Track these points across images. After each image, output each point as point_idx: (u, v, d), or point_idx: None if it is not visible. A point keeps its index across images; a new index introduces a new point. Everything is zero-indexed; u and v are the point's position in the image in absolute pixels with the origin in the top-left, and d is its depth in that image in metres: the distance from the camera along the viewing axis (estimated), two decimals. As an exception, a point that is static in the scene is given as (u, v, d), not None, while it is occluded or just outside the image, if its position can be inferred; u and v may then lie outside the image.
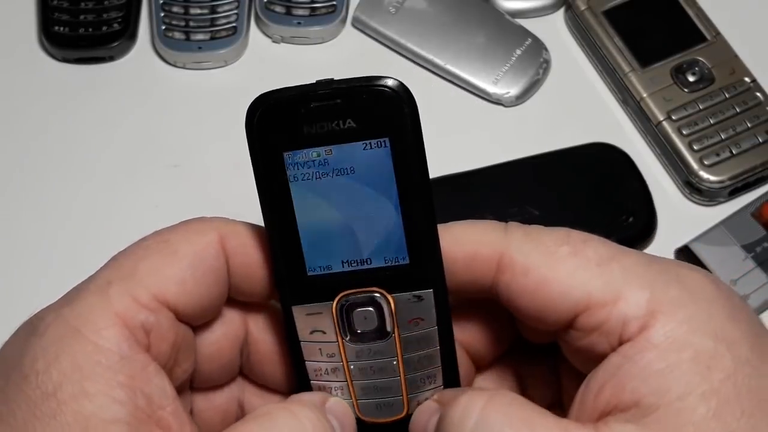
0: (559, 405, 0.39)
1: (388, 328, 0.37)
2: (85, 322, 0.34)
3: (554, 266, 0.35)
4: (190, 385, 0.40)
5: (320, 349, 0.38)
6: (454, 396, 0.35)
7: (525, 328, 0.39)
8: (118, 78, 0.65)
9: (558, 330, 0.36)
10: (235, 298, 0.39)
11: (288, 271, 0.37)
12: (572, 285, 0.35)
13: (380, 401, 0.38)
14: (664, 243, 0.59)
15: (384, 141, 0.35)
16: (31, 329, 0.35)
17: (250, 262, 0.38)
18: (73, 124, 0.63)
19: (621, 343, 0.34)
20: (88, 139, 0.63)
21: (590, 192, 0.60)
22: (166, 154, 0.62)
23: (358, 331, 0.37)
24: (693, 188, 0.60)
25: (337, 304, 0.37)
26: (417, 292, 0.36)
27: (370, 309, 0.37)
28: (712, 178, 0.59)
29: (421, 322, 0.37)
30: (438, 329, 0.37)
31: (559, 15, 0.67)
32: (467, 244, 0.37)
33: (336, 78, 0.35)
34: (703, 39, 0.63)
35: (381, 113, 0.35)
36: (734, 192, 0.60)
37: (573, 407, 0.35)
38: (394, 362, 0.37)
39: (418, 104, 0.35)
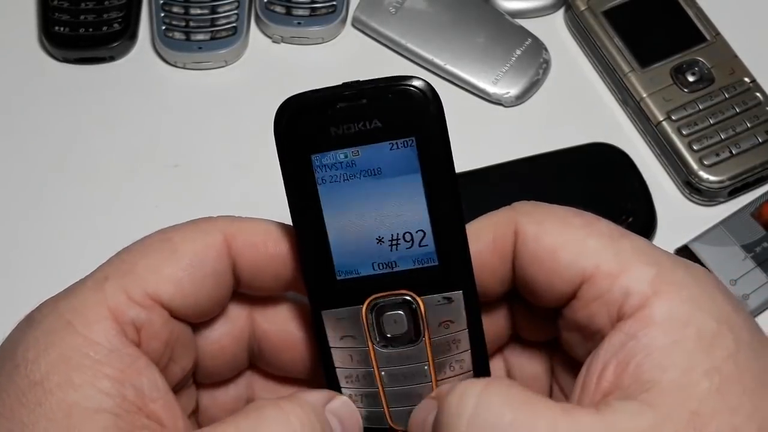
0: None
1: (419, 332, 0.37)
2: (77, 315, 0.34)
3: (566, 234, 0.36)
4: (194, 380, 0.40)
5: (351, 355, 0.37)
6: (450, 387, 0.35)
7: (523, 322, 0.39)
8: (118, 78, 0.65)
9: (561, 304, 0.36)
10: (243, 293, 0.39)
11: (317, 276, 0.37)
12: (582, 253, 0.35)
13: (412, 408, 0.38)
14: (664, 243, 0.58)
15: (410, 141, 0.35)
16: (28, 321, 0.35)
17: (259, 258, 0.38)
18: (74, 124, 0.63)
19: (620, 317, 0.34)
20: (88, 139, 0.63)
21: (590, 192, 0.60)
22: (166, 154, 0.62)
23: (389, 336, 0.37)
24: (693, 188, 0.60)
25: (366, 308, 0.37)
26: (447, 294, 0.36)
27: (400, 312, 0.37)
28: (712, 178, 0.59)
29: (451, 324, 0.37)
30: (468, 331, 0.37)
31: (559, 15, 0.67)
32: (486, 231, 0.37)
33: (361, 79, 0.35)
34: (703, 39, 0.63)
35: (407, 113, 0.35)
36: (734, 192, 0.60)
37: (575, 393, 0.34)
38: (426, 367, 0.37)
39: None
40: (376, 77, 0.36)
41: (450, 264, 0.36)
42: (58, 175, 0.62)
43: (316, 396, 0.37)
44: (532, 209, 0.37)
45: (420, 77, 0.35)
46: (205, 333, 0.39)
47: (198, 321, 0.38)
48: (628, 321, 0.33)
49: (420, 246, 0.36)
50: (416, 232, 0.36)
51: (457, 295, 0.36)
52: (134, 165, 0.62)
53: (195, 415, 0.41)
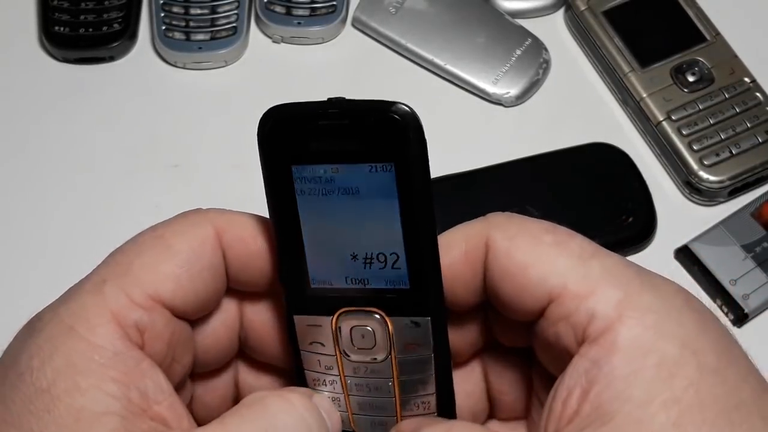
0: (527, 414, 0.39)
1: (385, 350, 0.37)
2: (79, 320, 0.34)
3: (537, 252, 0.35)
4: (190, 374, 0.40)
5: (319, 360, 0.38)
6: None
7: (499, 328, 0.39)
8: (118, 78, 0.65)
9: (530, 319, 0.36)
10: (233, 288, 0.39)
11: (292, 280, 0.37)
12: (551, 272, 0.35)
13: (375, 419, 0.38)
14: (663, 243, 0.59)
15: (389, 166, 0.35)
16: (29, 329, 0.35)
17: (248, 253, 0.37)
18: (73, 124, 0.64)
19: (585, 338, 0.34)
20: (88, 140, 0.63)
21: (590, 192, 0.60)
22: (166, 154, 0.63)
23: (356, 348, 0.37)
24: (693, 188, 0.60)
25: (336, 319, 0.37)
26: (415, 319, 0.36)
27: (369, 328, 0.37)
28: (712, 178, 0.59)
29: (417, 348, 0.37)
30: (433, 357, 0.37)
31: (559, 15, 0.67)
32: (458, 243, 0.37)
33: (348, 98, 0.35)
34: (703, 39, 0.63)
35: (387, 139, 0.35)
36: (734, 192, 0.60)
37: (542, 417, 0.34)
38: (390, 383, 0.37)
39: (417, 106, 0.35)
40: (362, 99, 0.35)
41: (420, 290, 0.36)
42: (58, 175, 0.62)
43: (304, 390, 0.38)
44: (505, 222, 0.36)
45: (404, 103, 0.34)
46: (201, 328, 0.39)
47: (197, 317, 0.38)
48: (593, 347, 0.33)
49: (393, 268, 0.36)
50: (390, 254, 0.36)
51: (425, 321, 0.36)
52: (134, 165, 0.62)
53: (189, 405, 0.41)
